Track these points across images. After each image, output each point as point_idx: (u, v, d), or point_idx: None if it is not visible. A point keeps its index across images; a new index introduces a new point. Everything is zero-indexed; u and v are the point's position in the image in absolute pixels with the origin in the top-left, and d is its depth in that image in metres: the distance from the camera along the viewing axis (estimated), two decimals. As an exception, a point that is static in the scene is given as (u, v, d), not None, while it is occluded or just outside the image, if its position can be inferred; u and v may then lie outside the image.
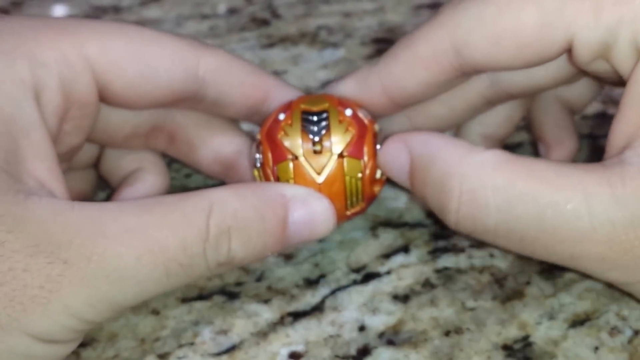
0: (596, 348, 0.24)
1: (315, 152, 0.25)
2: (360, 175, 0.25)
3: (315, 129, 0.25)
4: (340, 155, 0.25)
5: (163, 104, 0.27)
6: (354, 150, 0.25)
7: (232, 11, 0.47)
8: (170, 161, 0.31)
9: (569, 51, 0.24)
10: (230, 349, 0.24)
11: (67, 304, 0.20)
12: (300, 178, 0.25)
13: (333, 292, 0.26)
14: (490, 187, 0.22)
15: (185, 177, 0.33)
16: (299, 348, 0.24)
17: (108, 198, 0.31)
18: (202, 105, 0.28)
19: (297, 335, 0.25)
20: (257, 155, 0.26)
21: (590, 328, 0.25)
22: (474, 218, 0.22)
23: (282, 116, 0.26)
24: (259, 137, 0.26)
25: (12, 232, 0.20)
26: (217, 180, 0.31)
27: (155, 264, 0.21)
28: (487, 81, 0.27)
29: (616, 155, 0.22)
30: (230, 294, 0.26)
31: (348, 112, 0.26)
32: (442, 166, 0.23)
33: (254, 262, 0.25)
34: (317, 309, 0.26)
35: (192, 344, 0.24)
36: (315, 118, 0.25)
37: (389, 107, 0.27)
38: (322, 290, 0.26)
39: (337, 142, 0.25)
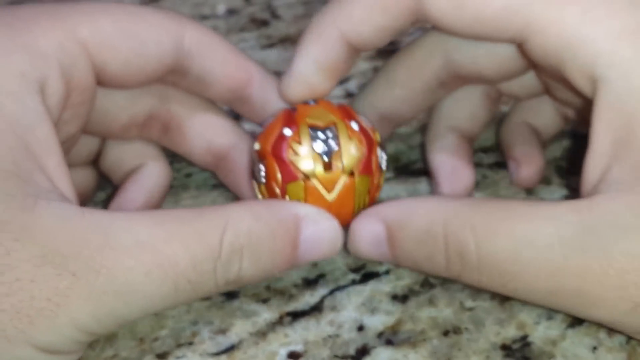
0: (594, 348, 0.24)
1: (326, 171, 0.24)
2: (368, 189, 0.25)
3: (326, 148, 0.24)
4: (351, 174, 0.24)
5: (153, 79, 0.26)
6: (364, 168, 0.25)
7: (231, 12, 0.47)
8: (172, 161, 0.31)
9: (520, 45, 0.24)
10: (229, 349, 0.24)
11: (74, 318, 0.20)
12: (311, 198, 0.24)
13: (332, 292, 0.26)
14: (469, 227, 0.22)
15: (186, 176, 0.33)
16: (298, 348, 0.24)
17: (108, 198, 0.31)
18: (187, 81, 0.27)
19: (296, 335, 0.25)
20: (262, 171, 0.25)
21: (589, 328, 0.25)
22: (461, 258, 0.22)
23: (287, 132, 0.25)
24: (257, 147, 0.25)
25: (19, 241, 0.20)
26: (217, 180, 0.31)
27: (164, 280, 0.21)
28: (440, 60, 0.28)
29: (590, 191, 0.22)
30: (229, 294, 0.26)
31: (354, 125, 0.25)
32: (421, 217, 0.23)
33: (260, 281, 0.25)
34: (316, 309, 0.26)
35: (190, 343, 0.24)
36: (324, 136, 0.24)
37: (347, 53, 0.26)
38: (321, 290, 0.26)
39: (349, 161, 0.24)
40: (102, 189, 0.32)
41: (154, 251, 0.21)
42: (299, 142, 0.24)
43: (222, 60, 0.27)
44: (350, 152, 0.24)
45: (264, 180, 0.25)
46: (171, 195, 0.31)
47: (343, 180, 0.24)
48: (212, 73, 0.27)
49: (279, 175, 0.24)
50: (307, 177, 0.24)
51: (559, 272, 0.21)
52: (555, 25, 0.23)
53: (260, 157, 0.25)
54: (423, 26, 0.29)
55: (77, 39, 0.24)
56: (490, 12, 0.23)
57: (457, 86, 0.30)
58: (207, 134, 0.29)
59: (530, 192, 0.31)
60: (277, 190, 0.24)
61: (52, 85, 0.23)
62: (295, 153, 0.24)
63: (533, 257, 0.21)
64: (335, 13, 0.26)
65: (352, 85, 0.38)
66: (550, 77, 0.27)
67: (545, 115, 0.32)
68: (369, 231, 0.24)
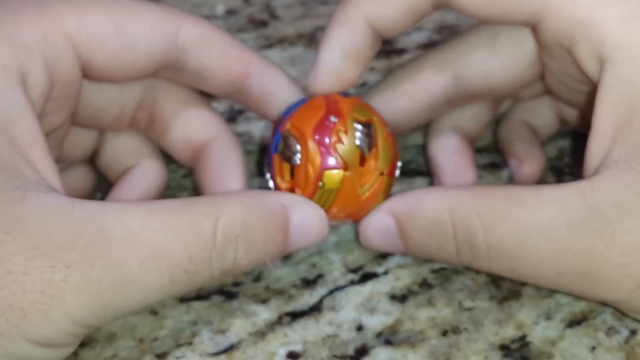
0: (593, 348, 0.24)
1: (361, 165, 0.24)
2: (387, 192, 0.25)
3: (365, 143, 0.24)
4: (382, 174, 0.25)
5: (143, 75, 0.26)
6: (391, 170, 0.25)
7: (230, 12, 0.47)
8: (169, 161, 0.31)
9: (534, 27, 0.25)
10: (229, 349, 0.24)
11: (69, 311, 0.20)
12: (345, 190, 0.24)
13: (331, 292, 0.26)
14: (475, 213, 0.23)
15: (183, 177, 0.33)
16: (297, 348, 0.24)
17: (103, 198, 0.31)
18: (182, 76, 0.27)
19: (295, 335, 0.25)
20: (298, 153, 0.24)
21: (587, 328, 0.25)
22: (470, 245, 0.23)
23: (333, 119, 0.24)
24: (291, 128, 0.25)
25: (10, 234, 0.20)
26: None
27: (160, 271, 0.21)
28: (450, 77, 0.28)
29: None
30: (228, 294, 0.26)
31: (388, 128, 0.25)
32: (429, 207, 0.24)
33: (253, 269, 0.25)
34: (315, 309, 0.26)
35: (190, 343, 0.24)
36: (366, 131, 0.25)
37: (372, 39, 0.26)
38: (320, 291, 0.26)
39: (382, 161, 0.25)
40: (98, 190, 0.32)
41: (148, 242, 0.21)
42: (345, 132, 0.24)
43: (219, 54, 0.27)
44: (384, 152, 0.25)
45: (298, 161, 0.24)
46: (168, 195, 0.31)
47: (374, 177, 0.25)
48: (210, 68, 0.27)
49: (318, 160, 0.24)
50: (346, 167, 0.24)
51: (565, 252, 0.21)
52: (569, 6, 0.23)
53: (296, 138, 0.25)
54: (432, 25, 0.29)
55: (63, 31, 0.23)
56: None
57: (461, 105, 0.30)
58: (188, 128, 0.28)
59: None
60: (312, 174, 0.24)
61: (35, 77, 0.23)
62: (340, 141, 0.24)
63: (539, 239, 0.22)
64: None
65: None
66: (561, 63, 0.27)
67: (543, 115, 0.32)
68: (380, 224, 0.25)
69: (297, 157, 0.24)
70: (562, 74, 0.27)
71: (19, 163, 0.21)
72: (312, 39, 0.43)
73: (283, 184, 0.25)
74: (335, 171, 0.24)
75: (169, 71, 0.27)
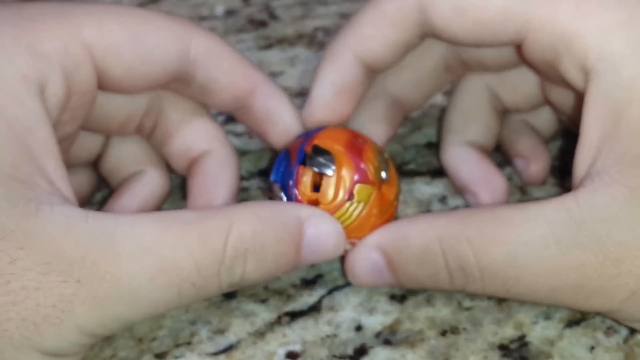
0: (592, 348, 0.24)
1: (379, 190, 0.25)
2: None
3: (386, 170, 0.25)
4: (393, 203, 0.26)
5: (155, 86, 0.26)
6: (397, 203, 0.26)
7: (229, 13, 0.47)
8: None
9: (519, 46, 0.25)
10: (228, 349, 0.24)
11: (79, 324, 0.20)
12: (370, 207, 0.24)
13: (330, 292, 0.26)
14: (464, 240, 0.23)
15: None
16: (296, 348, 0.24)
17: (104, 199, 0.31)
18: (190, 89, 0.27)
19: (294, 335, 0.25)
20: (332, 165, 0.24)
21: (586, 328, 0.25)
22: (463, 271, 0.23)
23: (361, 141, 0.25)
24: (319, 143, 0.25)
25: (24, 249, 0.20)
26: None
27: (169, 285, 0.21)
28: (444, 45, 0.29)
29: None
30: (227, 294, 0.26)
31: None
32: (417, 238, 0.24)
33: (262, 281, 0.25)
34: (314, 309, 0.26)
35: (189, 343, 0.24)
36: (386, 158, 0.26)
37: (363, 74, 0.27)
38: (319, 291, 0.26)
39: (397, 190, 0.26)
40: (98, 190, 0.32)
41: (158, 257, 0.21)
42: (372, 154, 0.25)
43: (227, 69, 0.27)
44: (397, 183, 0.26)
45: (331, 173, 0.24)
46: (170, 201, 0.31)
47: (388, 204, 0.25)
48: (217, 81, 0.27)
49: (352, 172, 0.24)
50: (374, 185, 0.25)
51: (558, 269, 0.22)
52: (550, 21, 0.23)
53: (329, 150, 0.25)
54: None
55: (82, 41, 0.24)
56: (490, 14, 0.24)
57: (462, 72, 0.31)
58: (189, 138, 0.29)
59: (524, 192, 0.31)
60: (343, 185, 0.24)
61: (53, 87, 0.23)
62: (370, 160, 0.25)
63: (531, 259, 0.22)
64: (348, 35, 0.27)
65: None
66: (548, 79, 0.28)
67: (543, 116, 0.32)
68: (367, 260, 0.24)
69: (331, 169, 0.24)
70: (551, 88, 0.27)
71: (34, 174, 0.21)
72: (311, 40, 0.43)
73: (305, 196, 0.25)
74: (367, 185, 0.24)
75: (179, 83, 0.27)
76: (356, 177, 0.24)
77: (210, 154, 0.28)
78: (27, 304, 0.20)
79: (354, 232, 0.25)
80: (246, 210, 0.23)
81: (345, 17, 0.45)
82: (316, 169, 0.25)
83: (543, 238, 0.22)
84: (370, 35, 0.26)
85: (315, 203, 0.24)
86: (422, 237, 0.23)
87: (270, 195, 0.26)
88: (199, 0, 0.48)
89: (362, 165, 0.24)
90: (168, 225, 0.22)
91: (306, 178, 0.25)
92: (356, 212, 0.24)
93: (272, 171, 0.26)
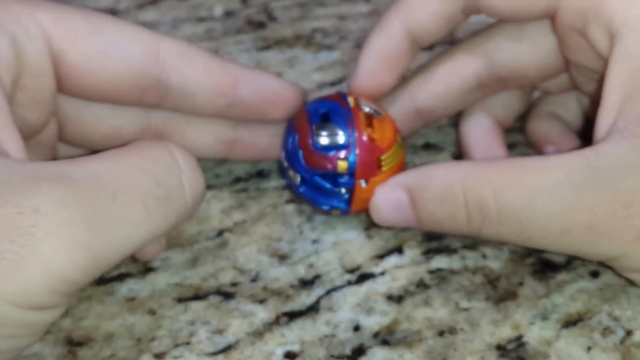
0: (589, 348, 0.24)
1: None
2: None
3: None
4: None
5: (127, 91, 0.26)
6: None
7: (228, 14, 0.47)
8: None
9: (552, 18, 0.27)
10: (226, 349, 0.24)
11: (45, 260, 0.18)
12: (403, 155, 0.28)
13: (328, 293, 0.26)
14: (486, 181, 0.24)
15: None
16: (294, 348, 0.24)
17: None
18: (170, 98, 0.27)
19: (293, 335, 0.25)
20: (379, 108, 0.28)
21: (583, 328, 0.25)
22: (480, 211, 0.24)
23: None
24: (374, 109, 0.27)
25: None
26: (212, 181, 0.32)
27: (132, 202, 0.20)
28: (482, 62, 0.30)
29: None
30: (225, 294, 0.26)
31: None
32: (440, 178, 0.25)
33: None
34: (312, 309, 0.26)
35: (188, 343, 0.25)
36: None
37: (408, 46, 0.28)
38: (317, 291, 0.27)
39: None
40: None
41: (112, 178, 0.21)
42: None
43: (203, 67, 0.27)
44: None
45: (382, 114, 0.28)
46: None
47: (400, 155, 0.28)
48: (196, 82, 0.27)
49: (394, 122, 0.28)
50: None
51: (571, 211, 0.23)
52: None
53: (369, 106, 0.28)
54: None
55: (36, 19, 0.24)
56: None
57: (494, 90, 0.31)
58: (211, 127, 0.29)
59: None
60: (392, 127, 0.27)
61: (0, 48, 0.22)
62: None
63: (547, 201, 0.23)
64: (397, 7, 0.28)
65: (345, 87, 0.39)
66: (579, 54, 0.28)
67: (570, 109, 0.33)
68: (392, 198, 0.26)
69: (381, 112, 0.27)
70: (580, 65, 0.28)
71: None
72: (309, 41, 0.43)
73: (367, 133, 0.26)
74: (400, 135, 0.28)
75: (155, 92, 0.27)
76: (393, 136, 0.27)
77: (243, 131, 0.30)
78: None
79: (391, 174, 0.26)
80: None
81: (344, 18, 0.45)
82: (370, 111, 0.27)
83: (560, 182, 0.23)
84: (416, 6, 0.28)
85: (373, 140, 0.26)
86: (445, 177, 0.24)
87: (283, 173, 0.28)
88: (197, 2, 0.48)
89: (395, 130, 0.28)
90: (105, 156, 0.21)
91: (362, 119, 0.27)
92: (399, 155, 0.27)
93: (285, 142, 0.28)
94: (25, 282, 0.18)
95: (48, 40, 0.24)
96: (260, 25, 0.46)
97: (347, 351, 0.24)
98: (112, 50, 0.25)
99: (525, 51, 0.29)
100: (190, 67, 0.26)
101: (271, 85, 0.28)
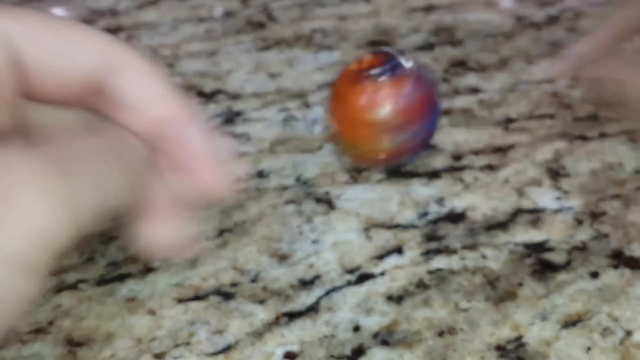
0: (588, 348, 0.24)
1: None
2: None
3: None
4: None
5: (71, 92, 0.25)
6: None
7: (228, 14, 0.47)
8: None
9: None
10: (226, 349, 0.24)
11: (25, 214, 0.18)
12: None
13: (327, 293, 0.26)
14: None
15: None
16: (294, 348, 0.24)
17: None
18: (104, 102, 0.26)
19: (292, 336, 0.25)
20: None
21: (582, 329, 0.25)
22: None
23: None
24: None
25: None
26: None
27: (91, 156, 0.21)
28: None
29: None
30: (225, 295, 0.26)
31: None
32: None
33: None
34: (312, 310, 0.26)
35: (188, 343, 0.25)
36: None
37: None
38: (317, 291, 0.27)
39: None
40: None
41: (72, 137, 0.22)
42: None
43: (149, 89, 0.26)
44: None
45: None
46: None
47: None
48: (135, 98, 0.26)
49: None
50: None
51: None
52: None
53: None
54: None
55: None
56: None
57: None
58: (148, 103, 0.27)
59: (521, 193, 0.31)
60: None
61: None
62: None
63: None
64: None
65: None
66: None
67: None
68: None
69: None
70: None
71: None
72: (309, 41, 0.43)
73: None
74: None
75: (94, 95, 0.26)
76: None
77: (175, 117, 0.27)
78: None
79: None
80: None
81: (343, 18, 0.45)
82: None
83: None
84: None
85: None
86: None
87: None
88: (197, 2, 0.48)
89: None
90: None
91: None
92: None
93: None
94: (9, 239, 0.18)
95: (10, 44, 0.24)
96: (260, 25, 0.46)
97: (347, 351, 0.24)
98: (66, 53, 0.25)
99: None
100: (138, 82, 0.26)
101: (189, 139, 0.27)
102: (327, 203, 0.31)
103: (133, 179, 0.23)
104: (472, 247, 0.28)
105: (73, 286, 0.27)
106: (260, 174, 0.32)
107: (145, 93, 0.26)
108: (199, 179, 0.26)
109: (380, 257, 0.28)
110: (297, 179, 0.32)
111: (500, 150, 0.34)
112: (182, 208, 0.25)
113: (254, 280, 0.27)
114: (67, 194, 0.20)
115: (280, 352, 0.24)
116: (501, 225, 0.29)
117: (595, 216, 0.30)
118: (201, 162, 0.26)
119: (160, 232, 0.26)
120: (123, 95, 0.26)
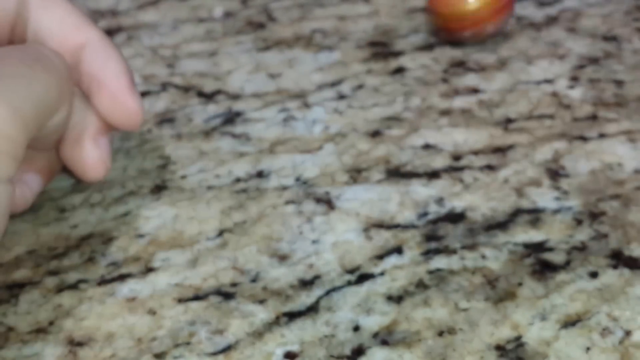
0: (588, 349, 0.24)
1: None
2: None
3: None
4: None
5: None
6: None
7: (228, 15, 0.47)
8: (167, 163, 0.31)
9: None
10: (226, 349, 0.24)
11: None
12: None
13: (328, 293, 0.27)
14: None
15: (181, 178, 0.33)
16: (294, 348, 0.24)
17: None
18: (24, 34, 0.27)
19: (292, 336, 0.25)
20: None
21: (582, 329, 0.25)
22: None
23: None
24: None
25: None
26: (213, 181, 0.32)
27: (17, 64, 0.22)
28: None
29: None
30: (225, 295, 0.26)
31: None
32: None
33: None
34: (312, 310, 0.26)
35: (188, 343, 0.25)
36: None
37: None
38: (317, 291, 0.27)
39: None
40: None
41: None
42: None
43: (59, 19, 0.27)
44: None
45: None
46: (167, 196, 0.31)
47: None
48: (50, 31, 0.26)
49: None
50: None
51: None
52: None
53: None
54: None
55: None
56: None
57: None
58: (60, 30, 0.27)
59: (520, 193, 0.31)
60: None
61: None
62: None
63: None
64: None
65: (345, 88, 0.39)
66: None
67: None
68: None
69: None
70: None
71: None
72: (309, 41, 0.43)
73: None
74: None
75: (9, 26, 0.27)
76: None
77: (89, 43, 0.27)
78: None
79: None
80: None
81: (343, 19, 0.45)
82: None
83: None
84: None
85: None
86: None
87: None
88: (197, 2, 0.48)
89: None
90: None
91: None
92: None
93: None
94: None
95: None
96: (260, 25, 0.46)
97: (347, 351, 0.24)
98: None
99: None
100: (48, 15, 0.26)
101: (106, 73, 0.27)
102: (327, 203, 0.31)
103: (60, 81, 0.24)
104: (472, 247, 0.28)
105: (73, 286, 0.27)
106: (260, 174, 0.32)
107: (62, 24, 0.27)
108: (118, 98, 0.27)
109: (380, 257, 0.28)
110: (297, 179, 0.32)
111: (500, 150, 0.34)
112: (104, 129, 0.26)
113: (254, 280, 0.27)
114: (8, 99, 0.21)
115: (280, 352, 0.24)
116: (501, 225, 0.29)
117: (595, 216, 0.30)
118: (120, 82, 0.27)
119: (88, 153, 0.27)
120: (38, 23, 0.27)
